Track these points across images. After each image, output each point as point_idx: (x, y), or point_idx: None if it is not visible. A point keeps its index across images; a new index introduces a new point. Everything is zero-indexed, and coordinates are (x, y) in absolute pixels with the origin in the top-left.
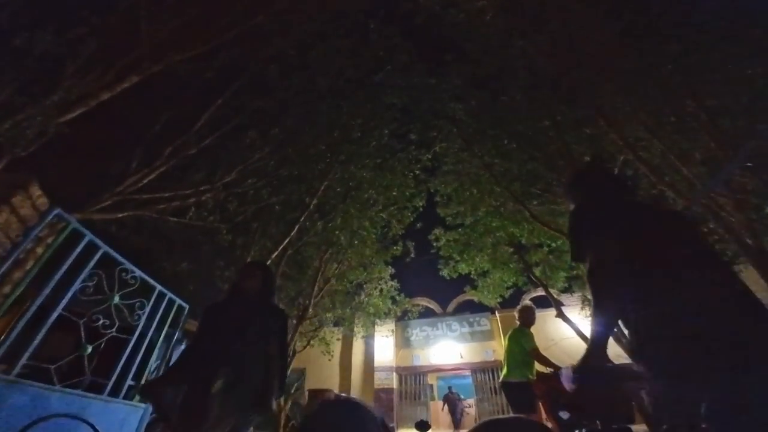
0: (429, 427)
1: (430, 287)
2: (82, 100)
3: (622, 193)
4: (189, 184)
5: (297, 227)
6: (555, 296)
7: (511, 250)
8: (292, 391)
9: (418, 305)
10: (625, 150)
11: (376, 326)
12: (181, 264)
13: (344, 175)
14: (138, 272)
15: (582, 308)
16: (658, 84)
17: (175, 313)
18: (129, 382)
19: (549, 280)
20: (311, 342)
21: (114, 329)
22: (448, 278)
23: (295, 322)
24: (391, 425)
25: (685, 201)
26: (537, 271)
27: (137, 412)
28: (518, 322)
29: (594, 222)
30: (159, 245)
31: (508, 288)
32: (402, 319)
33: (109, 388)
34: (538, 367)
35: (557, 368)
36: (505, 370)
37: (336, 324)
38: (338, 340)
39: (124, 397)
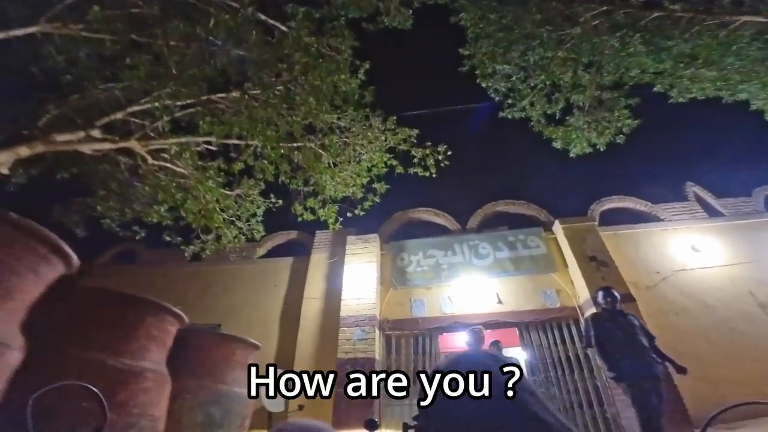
0: (378, 426)
1: (439, 199)
2: None
3: None
4: None
5: None
6: (647, 208)
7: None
8: None
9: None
10: None
11: (348, 247)
12: None
13: None
14: None
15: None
16: None
17: None
18: None
19: None
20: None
21: None
22: (485, 88)
23: None
24: None
25: None
26: None
27: None
28: None
29: None
30: None
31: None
32: (393, 238)
33: None
34: None
35: None
36: None
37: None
38: (239, 244)
39: None
